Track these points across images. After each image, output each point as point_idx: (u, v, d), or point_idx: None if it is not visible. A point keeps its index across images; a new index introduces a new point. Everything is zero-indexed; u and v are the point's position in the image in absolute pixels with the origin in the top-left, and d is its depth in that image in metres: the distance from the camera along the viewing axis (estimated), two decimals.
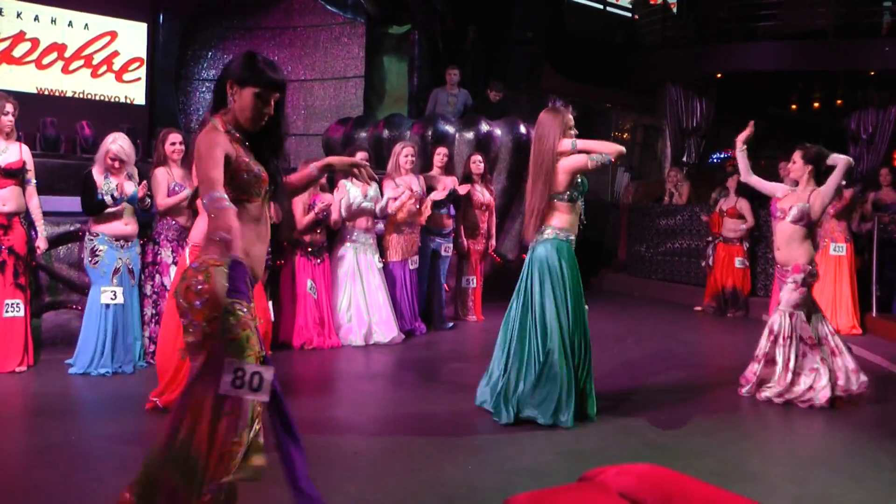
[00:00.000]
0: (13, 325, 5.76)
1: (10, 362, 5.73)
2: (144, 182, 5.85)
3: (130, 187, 5.73)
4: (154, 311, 6.07)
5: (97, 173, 5.71)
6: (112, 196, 5.64)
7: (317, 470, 3.87)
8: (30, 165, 5.84)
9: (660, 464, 4.06)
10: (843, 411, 5.71)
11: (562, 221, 4.85)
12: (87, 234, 5.82)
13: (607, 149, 4.75)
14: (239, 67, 2.85)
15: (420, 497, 3.63)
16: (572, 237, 4.89)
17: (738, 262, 9.77)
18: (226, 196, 2.60)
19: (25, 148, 5.89)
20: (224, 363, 2.63)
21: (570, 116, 4.93)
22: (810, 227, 5.57)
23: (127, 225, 5.81)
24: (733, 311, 9.75)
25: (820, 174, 5.57)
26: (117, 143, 5.72)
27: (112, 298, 5.73)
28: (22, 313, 5.79)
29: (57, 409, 5.03)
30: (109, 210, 5.71)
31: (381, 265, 7.32)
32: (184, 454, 2.65)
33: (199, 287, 2.67)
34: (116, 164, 5.71)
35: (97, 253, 5.73)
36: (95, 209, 5.68)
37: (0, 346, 5.71)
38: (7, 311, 5.73)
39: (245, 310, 2.74)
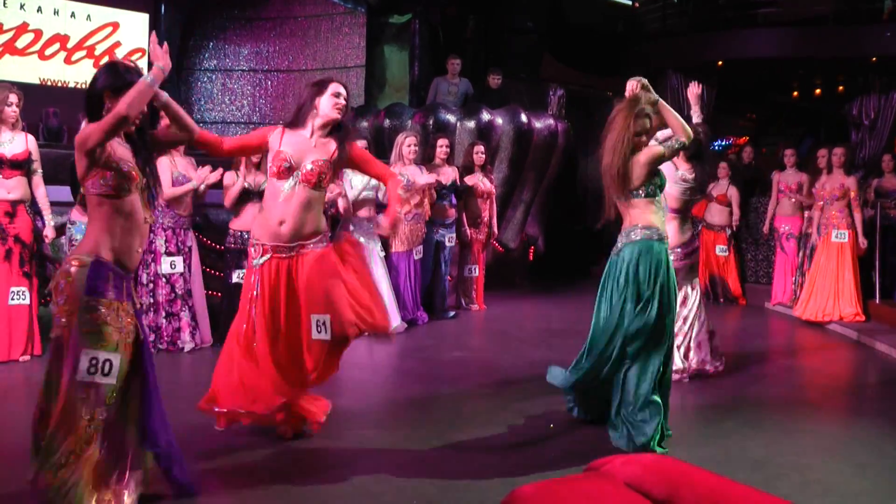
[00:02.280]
0: (18, 312, 5.79)
1: (15, 350, 5.77)
2: None
3: None
4: (151, 300, 6.10)
5: None
6: None
7: (320, 460, 3.91)
8: (35, 156, 5.86)
9: (663, 453, 4.09)
10: (846, 399, 5.74)
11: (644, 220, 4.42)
12: (68, 222, 5.86)
13: (680, 126, 4.39)
14: (109, 78, 3.23)
15: (423, 487, 3.65)
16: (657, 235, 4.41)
17: (718, 249, 9.79)
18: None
19: (31, 138, 5.91)
20: (80, 353, 3.02)
21: (649, 95, 4.47)
22: (677, 210, 5.66)
23: None
24: (723, 298, 9.82)
25: (696, 156, 5.59)
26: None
27: None
28: (27, 301, 5.82)
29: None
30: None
31: (382, 254, 7.33)
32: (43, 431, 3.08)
33: (62, 286, 3.09)
34: None
35: (73, 243, 5.79)
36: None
37: (5, 334, 5.74)
38: (12, 299, 5.75)
39: (103, 308, 3.08)
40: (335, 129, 4.19)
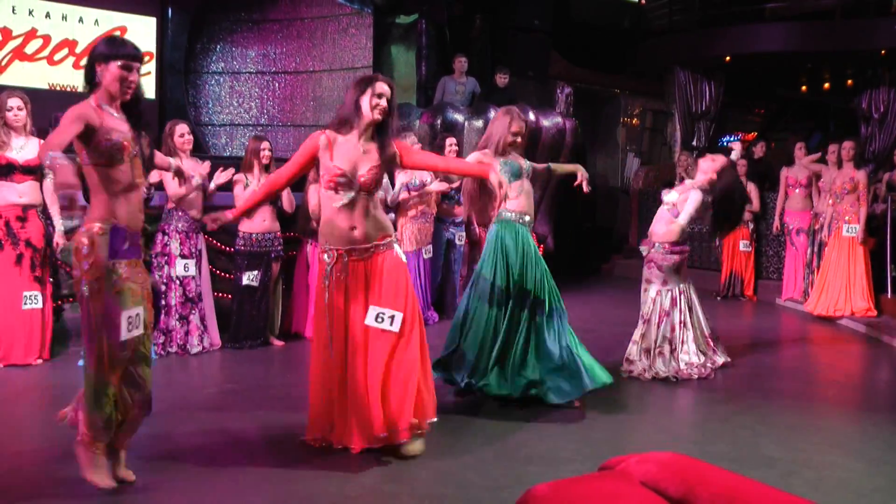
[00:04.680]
0: (31, 317, 5.81)
1: (28, 354, 5.79)
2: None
3: None
4: (163, 302, 6.13)
5: None
6: None
7: (331, 460, 3.91)
8: None
9: (674, 450, 4.08)
10: (859, 394, 5.71)
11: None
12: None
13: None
14: (101, 47, 3.39)
15: (436, 485, 3.65)
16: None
17: (742, 245, 9.83)
18: (60, 155, 3.13)
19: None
20: (118, 316, 3.33)
21: (520, 123, 5.21)
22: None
23: None
24: (739, 294, 9.84)
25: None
26: None
27: None
28: (40, 305, 5.84)
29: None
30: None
31: None
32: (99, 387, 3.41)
33: (86, 252, 3.32)
34: None
35: None
36: None
37: (18, 338, 5.76)
38: (26, 304, 5.77)
39: (123, 266, 3.38)
40: (378, 131, 4.09)
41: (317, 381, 4.10)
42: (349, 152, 4.02)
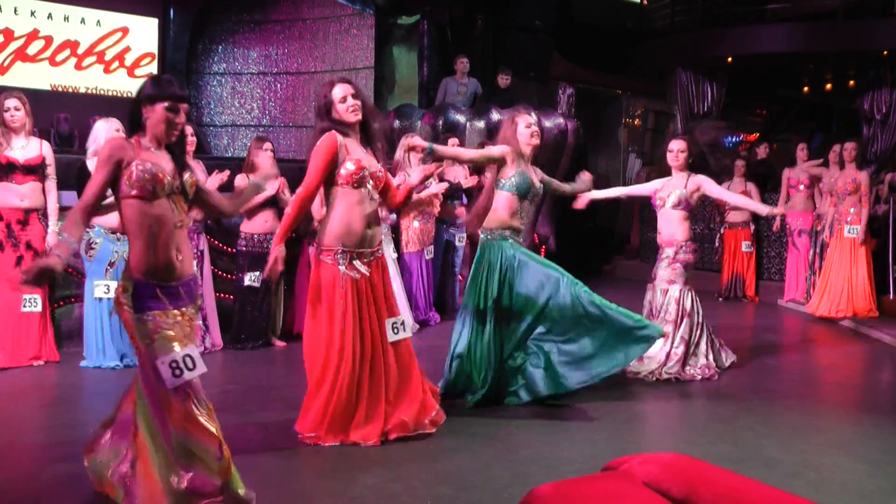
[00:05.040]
0: (30, 319, 5.82)
1: (28, 356, 5.80)
2: None
3: None
4: None
5: (91, 164, 5.74)
6: None
7: (333, 461, 3.91)
8: (50, 160, 5.86)
9: (676, 451, 4.08)
10: (860, 395, 5.70)
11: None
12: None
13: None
14: (147, 89, 3.23)
15: (437, 486, 3.64)
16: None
17: (744, 245, 9.84)
18: (70, 245, 3.06)
19: (46, 144, 5.93)
20: (156, 364, 3.10)
21: (527, 117, 5.18)
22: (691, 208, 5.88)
23: None
24: (741, 296, 9.85)
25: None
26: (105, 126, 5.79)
27: (105, 292, 5.77)
28: (39, 308, 5.84)
29: (70, 402, 5.12)
30: (107, 202, 5.73)
31: (395, 255, 7.33)
32: (172, 443, 3.12)
33: (120, 314, 3.22)
34: None
35: (93, 245, 5.78)
36: None
37: (17, 340, 5.77)
38: (24, 307, 5.77)
39: (153, 316, 3.16)
40: (364, 133, 4.18)
41: (323, 380, 4.11)
42: (359, 150, 4.12)
